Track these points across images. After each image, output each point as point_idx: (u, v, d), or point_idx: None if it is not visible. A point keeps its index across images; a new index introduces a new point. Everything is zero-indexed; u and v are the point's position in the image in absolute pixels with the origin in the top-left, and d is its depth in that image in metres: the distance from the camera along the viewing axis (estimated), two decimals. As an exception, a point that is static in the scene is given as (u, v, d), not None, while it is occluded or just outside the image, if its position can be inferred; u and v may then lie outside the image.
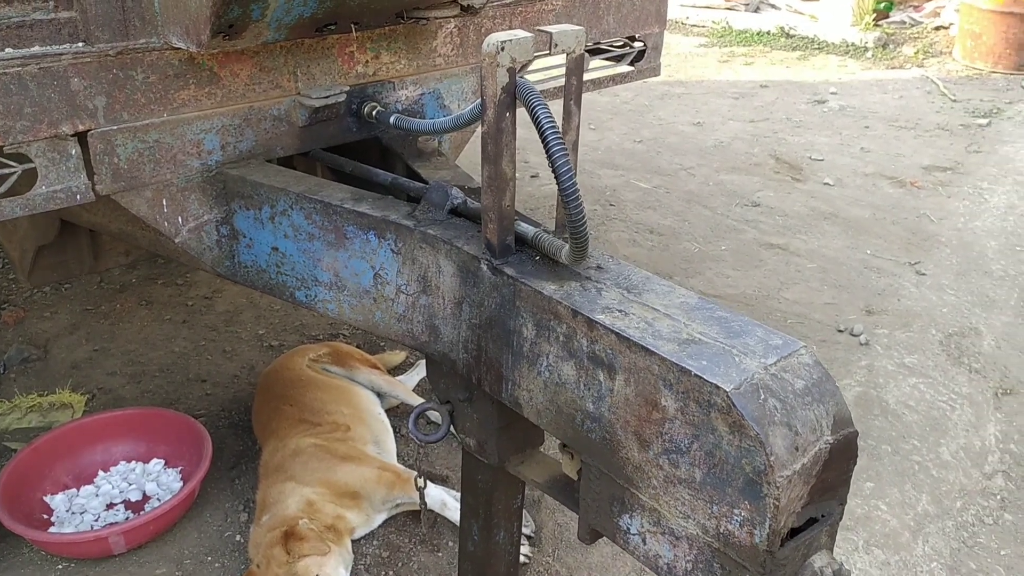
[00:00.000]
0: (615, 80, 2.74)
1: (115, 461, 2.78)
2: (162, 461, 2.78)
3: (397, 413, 3.07)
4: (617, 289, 1.53)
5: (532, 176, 4.93)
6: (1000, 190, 4.69)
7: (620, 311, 1.45)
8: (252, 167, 2.00)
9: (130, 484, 2.71)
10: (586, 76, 2.64)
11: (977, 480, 2.80)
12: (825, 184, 4.87)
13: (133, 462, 2.80)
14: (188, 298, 3.82)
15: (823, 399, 1.34)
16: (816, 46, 7.63)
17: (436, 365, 1.86)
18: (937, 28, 7.39)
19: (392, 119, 2.03)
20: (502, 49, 1.44)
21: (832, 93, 6.41)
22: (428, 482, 2.31)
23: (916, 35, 7.43)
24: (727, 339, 1.39)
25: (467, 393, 1.81)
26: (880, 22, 7.61)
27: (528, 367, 1.59)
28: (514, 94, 1.49)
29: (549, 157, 1.40)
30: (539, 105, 1.44)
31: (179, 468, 2.77)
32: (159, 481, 2.72)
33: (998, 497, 2.75)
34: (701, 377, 1.29)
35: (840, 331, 3.52)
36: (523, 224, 1.65)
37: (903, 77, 6.75)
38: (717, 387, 1.27)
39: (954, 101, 6.06)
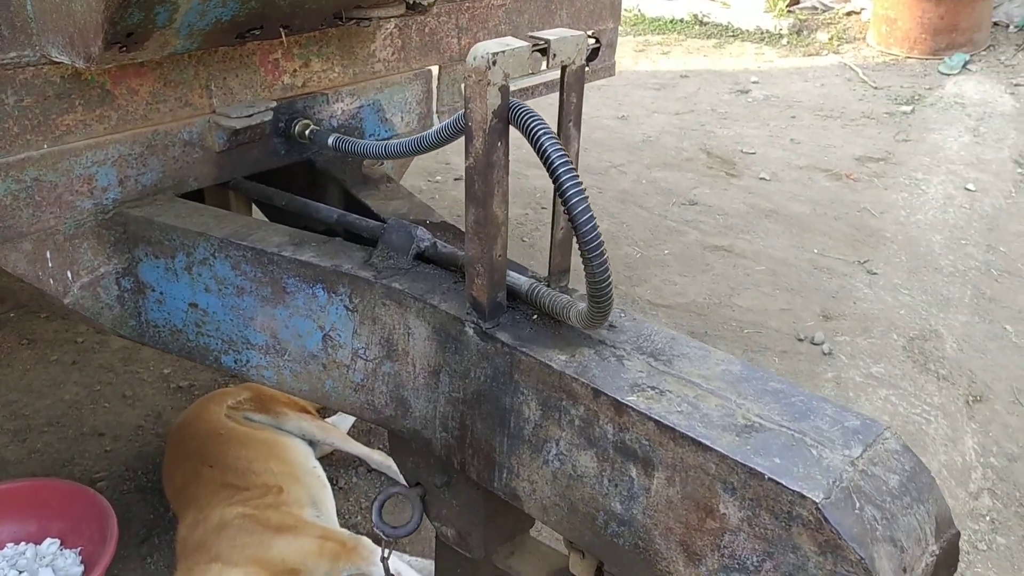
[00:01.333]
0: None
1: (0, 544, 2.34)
2: (57, 541, 2.36)
3: (331, 461, 2.72)
4: (641, 356, 1.23)
5: (455, 179, 4.60)
6: (935, 180, 4.60)
7: (653, 388, 1.16)
8: (160, 205, 1.62)
9: (20, 572, 2.29)
10: (535, 80, 2.33)
11: (964, 501, 2.64)
12: (761, 179, 4.70)
13: (22, 544, 2.37)
14: (77, 334, 3.35)
15: (922, 497, 1.08)
16: (731, 33, 7.51)
17: (403, 442, 1.53)
18: (849, 13, 7.36)
19: (332, 140, 1.68)
20: (493, 63, 1.12)
21: (754, 82, 6.28)
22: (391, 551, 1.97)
23: (829, 20, 7.39)
24: (794, 422, 1.11)
25: (445, 477, 1.49)
26: (792, 8, 7.54)
27: (530, 454, 1.29)
28: (507, 118, 1.18)
29: (565, 201, 1.10)
30: (545, 134, 1.14)
31: (79, 548, 2.35)
32: (55, 566, 2.30)
33: (987, 519, 2.59)
34: (778, 483, 1.01)
35: (800, 340, 3.33)
36: (512, 274, 1.34)
37: (821, 64, 6.67)
38: (802, 497, 0.99)
39: (875, 88, 6.00)
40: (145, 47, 1.37)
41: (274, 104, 1.70)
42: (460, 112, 1.30)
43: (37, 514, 2.40)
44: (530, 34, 1.23)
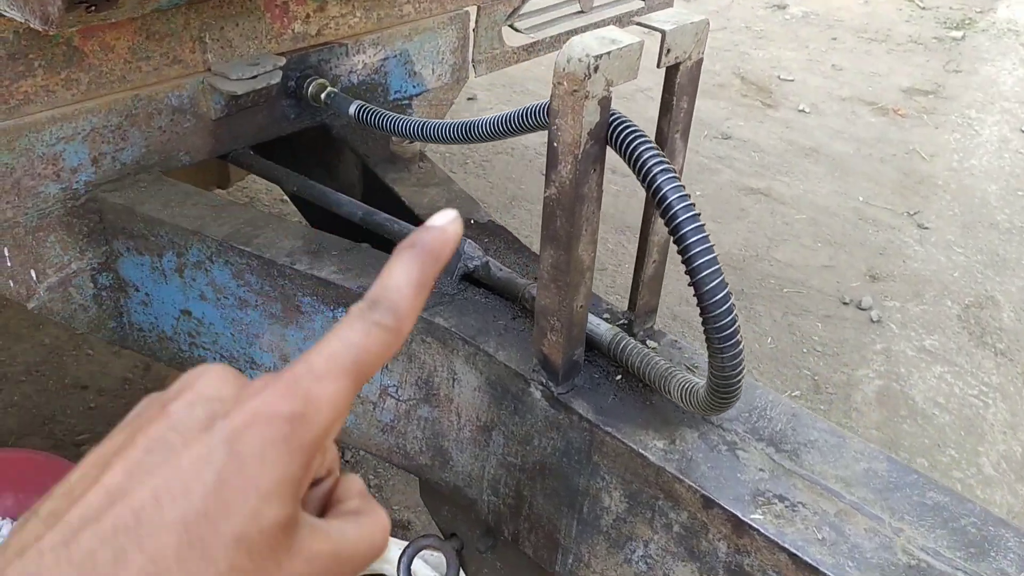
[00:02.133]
0: (622, 21, 2.09)
1: (-25, 523, 2.12)
2: (39, 523, 2.14)
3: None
4: (759, 445, 0.96)
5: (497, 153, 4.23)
6: (990, 120, 4.26)
7: (782, 499, 0.90)
8: (143, 188, 1.32)
9: (-3, 558, 2.07)
10: (585, 19, 1.99)
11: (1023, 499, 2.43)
12: (800, 111, 4.35)
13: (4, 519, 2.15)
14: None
15: None
16: (764, -61, 6.97)
17: (436, 490, 1.28)
18: (893, -78, 6.81)
19: (355, 110, 1.36)
20: (595, 69, 0.81)
21: (790, -3, 5.83)
22: None
23: (871, -71, 6.84)
24: (971, 561, 0.85)
25: (490, 541, 1.24)
26: (831, -87, 6.97)
27: (607, 547, 1.03)
28: (605, 139, 0.88)
29: (692, 270, 0.80)
30: (658, 161, 0.84)
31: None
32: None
33: None
34: (969, 669, 0.76)
35: (845, 303, 3.07)
36: (591, 318, 1.06)
37: (862, -22, 6.19)
38: None
39: (923, 9, 5.57)
40: (120, 4, 1.04)
41: (282, 61, 1.38)
42: (534, 105, 0.99)
43: (13, 487, 2.18)
44: (636, 20, 0.91)
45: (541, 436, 1.05)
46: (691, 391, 0.91)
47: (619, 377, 1.04)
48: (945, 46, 5.08)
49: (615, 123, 0.86)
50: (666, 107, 0.96)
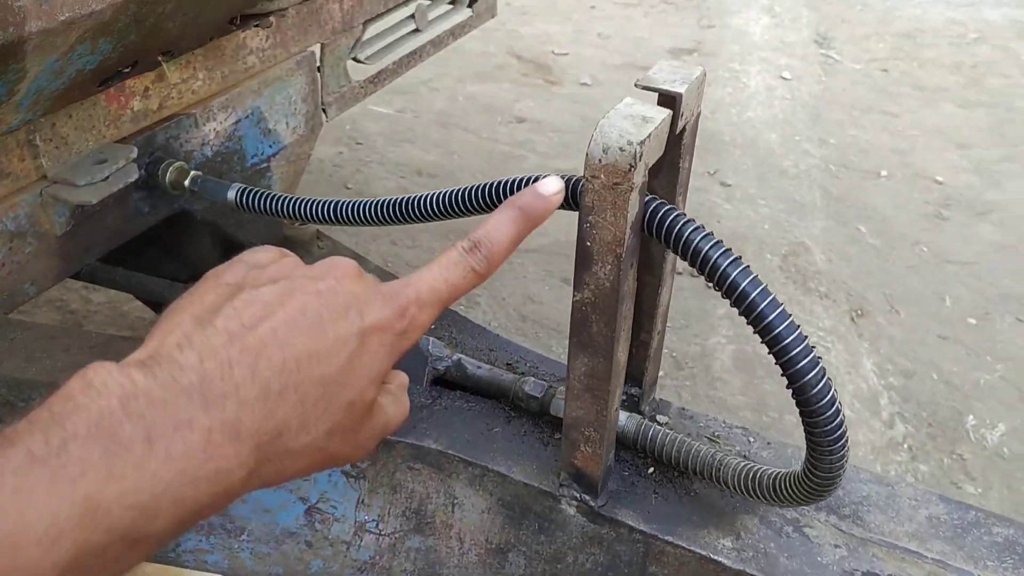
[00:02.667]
0: (455, 34, 1.96)
1: None
2: None
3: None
4: (821, 516, 0.90)
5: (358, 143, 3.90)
6: (753, 71, 4.52)
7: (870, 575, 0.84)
8: (-9, 340, 1.04)
9: None
10: (423, 38, 1.84)
11: (881, 432, 2.61)
12: (583, 85, 4.40)
13: None
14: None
15: None
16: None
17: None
18: None
19: (236, 195, 1.15)
20: (639, 157, 0.70)
21: (538, -33, 5.86)
22: None
23: None
24: (1065, 598, 0.84)
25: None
26: None
27: (670, 656, 0.94)
28: (642, 227, 0.77)
29: (786, 364, 0.71)
30: (723, 252, 0.74)
31: None
32: None
33: (905, 447, 2.58)
34: None
35: (679, 273, 3.13)
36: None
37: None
38: None
39: (664, -31, 5.80)
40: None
41: (134, 152, 1.14)
42: (482, 186, 0.86)
43: None
44: (639, 83, 0.80)
45: (578, 553, 0.93)
46: (775, 482, 0.83)
47: (651, 470, 0.94)
48: (694, 4, 5.33)
49: (655, 210, 0.75)
50: (671, 168, 0.86)
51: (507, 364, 1.06)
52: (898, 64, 4.73)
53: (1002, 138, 4.12)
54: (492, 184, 0.87)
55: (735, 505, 0.90)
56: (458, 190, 0.91)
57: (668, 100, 0.76)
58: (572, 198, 0.74)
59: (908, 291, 3.17)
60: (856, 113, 4.25)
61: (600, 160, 0.69)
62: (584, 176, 0.71)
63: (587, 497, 0.89)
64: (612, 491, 0.92)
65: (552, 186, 0.61)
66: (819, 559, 0.86)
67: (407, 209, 0.99)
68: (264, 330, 0.50)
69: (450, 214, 0.89)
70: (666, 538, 0.87)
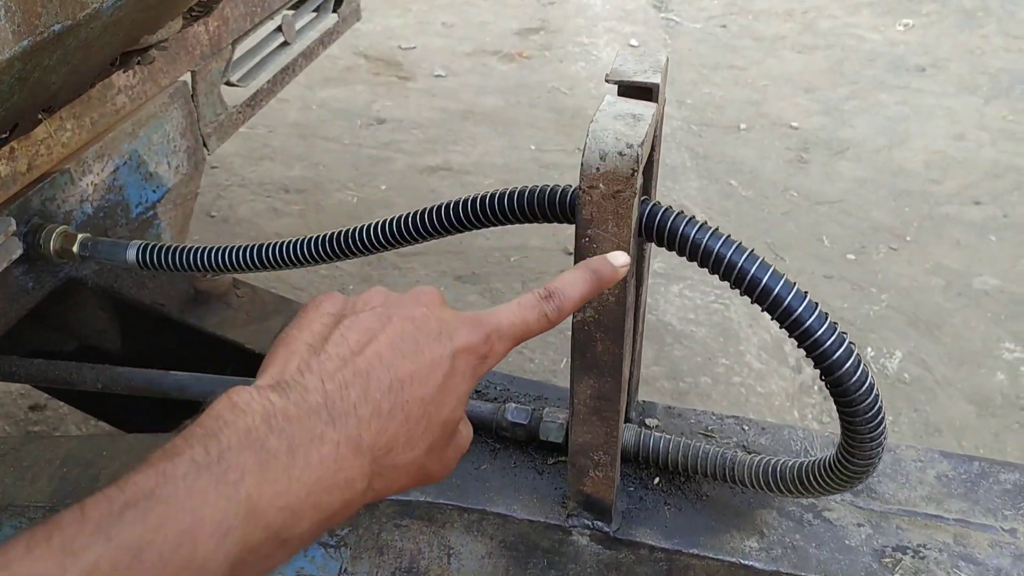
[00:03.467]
0: (324, 43, 1.85)
1: None
2: None
3: None
4: (836, 497, 0.88)
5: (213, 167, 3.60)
6: (601, 43, 4.54)
7: (902, 550, 0.83)
8: None
9: None
10: (293, 50, 1.73)
11: (792, 379, 2.68)
12: (438, 76, 4.31)
13: None
14: None
15: None
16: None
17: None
18: None
19: (136, 254, 1.02)
20: (640, 159, 0.64)
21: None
22: None
23: None
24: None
25: None
26: None
27: (703, 668, 0.89)
28: (639, 232, 0.71)
29: (811, 345, 0.68)
30: (736, 249, 0.69)
31: None
32: None
33: (816, 388, 2.65)
34: None
35: (569, 253, 3.12)
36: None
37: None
38: None
39: (494, -50, 5.76)
40: None
41: (12, 223, 0.99)
42: (412, 215, 0.79)
43: None
44: (609, 78, 0.74)
45: (594, 581, 0.87)
46: (803, 473, 0.79)
47: (656, 481, 0.89)
48: (530, -19, 5.32)
49: (651, 213, 0.70)
50: (648, 163, 0.80)
51: (476, 391, 0.99)
52: (734, 19, 4.87)
53: (842, 77, 4.30)
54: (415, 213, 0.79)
55: (749, 501, 0.87)
56: (379, 225, 0.83)
57: (644, 92, 0.70)
58: (563, 211, 0.68)
59: (787, 236, 3.27)
60: (705, 71, 4.35)
61: (598, 168, 0.63)
62: (580, 188, 0.64)
63: (600, 523, 0.84)
64: (623, 511, 0.86)
65: (621, 259, 0.63)
66: (847, 542, 0.83)
67: (340, 243, 0.90)
68: (370, 354, 0.55)
69: (410, 239, 0.81)
70: (691, 551, 0.82)
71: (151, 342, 1.17)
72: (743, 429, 0.95)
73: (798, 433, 0.95)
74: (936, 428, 2.52)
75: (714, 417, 0.96)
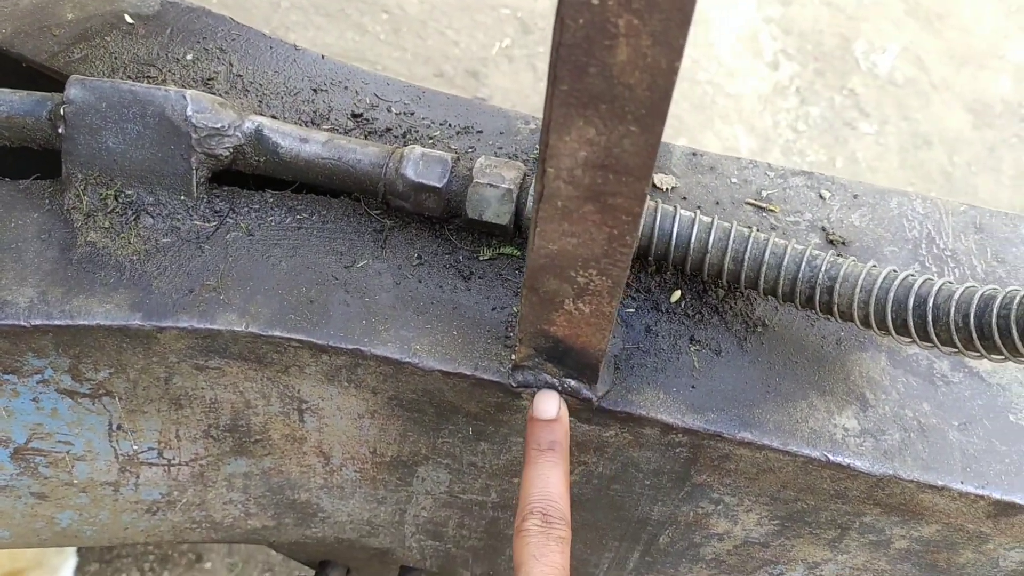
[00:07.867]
0: None
1: None
2: None
3: None
4: (933, 356, 0.49)
5: None
6: None
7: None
8: None
9: None
10: None
11: (767, 77, 2.25)
12: None
13: None
14: None
15: None
16: None
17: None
18: None
19: None
20: None
21: None
22: None
23: None
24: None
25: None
26: None
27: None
28: None
29: None
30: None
31: None
32: None
33: (793, 88, 2.24)
34: None
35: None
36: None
37: None
38: None
39: None
40: None
41: None
42: None
43: None
44: None
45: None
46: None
47: (676, 297, 0.48)
48: None
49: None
50: None
51: (353, 116, 0.54)
52: None
53: None
54: None
55: (837, 335, 0.48)
56: None
57: None
58: None
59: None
60: None
61: None
62: None
63: (576, 384, 0.44)
64: (614, 356, 0.46)
65: (548, 404, 0.45)
66: (1013, 418, 0.46)
67: None
68: None
69: None
70: (734, 435, 0.44)
71: None
72: (820, 197, 0.53)
73: (914, 205, 0.54)
74: (926, 139, 2.16)
75: (770, 175, 0.54)
